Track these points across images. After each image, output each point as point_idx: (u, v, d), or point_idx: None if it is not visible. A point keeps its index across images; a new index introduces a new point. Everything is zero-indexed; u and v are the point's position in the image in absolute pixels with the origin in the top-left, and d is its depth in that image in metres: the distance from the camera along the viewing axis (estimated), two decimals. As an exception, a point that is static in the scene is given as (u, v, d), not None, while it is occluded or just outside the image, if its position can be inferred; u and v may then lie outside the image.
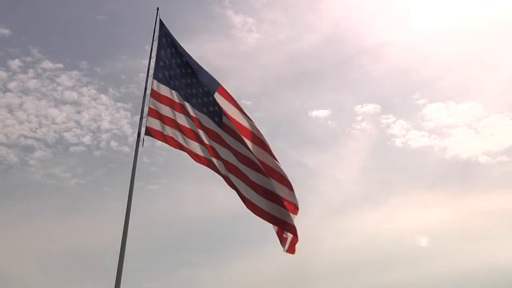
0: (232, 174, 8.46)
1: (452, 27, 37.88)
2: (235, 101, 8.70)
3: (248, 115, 8.62)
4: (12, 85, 28.76)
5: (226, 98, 8.65)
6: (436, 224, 28.85)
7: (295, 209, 8.19)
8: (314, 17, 38.42)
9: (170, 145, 8.70)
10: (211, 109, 8.63)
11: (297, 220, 8.31)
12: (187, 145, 8.69)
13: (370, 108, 33.54)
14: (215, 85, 8.73)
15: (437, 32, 37.77)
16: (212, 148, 8.59)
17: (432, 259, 26.06)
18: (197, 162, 8.72)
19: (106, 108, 30.97)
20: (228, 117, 8.50)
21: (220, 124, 8.54)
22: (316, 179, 31.97)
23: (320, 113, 33.72)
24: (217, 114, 8.58)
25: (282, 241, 8.21)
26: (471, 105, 33.89)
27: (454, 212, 29.89)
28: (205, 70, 8.89)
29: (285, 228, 8.17)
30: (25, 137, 28.63)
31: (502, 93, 34.40)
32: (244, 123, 8.52)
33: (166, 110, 8.73)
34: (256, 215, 8.30)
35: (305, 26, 38.09)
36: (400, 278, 25.45)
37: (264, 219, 8.28)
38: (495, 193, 29.64)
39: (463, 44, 37.64)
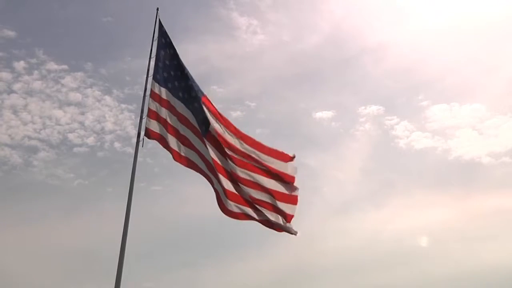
0: (223, 178, 8.43)
1: (453, 27, 38.01)
2: (217, 112, 8.67)
3: (232, 126, 8.67)
4: (17, 86, 29.03)
5: (208, 109, 8.60)
6: (438, 224, 28.91)
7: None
8: (316, 18, 38.53)
9: (163, 146, 8.56)
10: (200, 116, 8.57)
11: (298, 222, 8.69)
12: (176, 148, 8.57)
13: (373, 109, 33.66)
14: (200, 93, 8.71)
15: (438, 32, 37.87)
16: (201, 153, 8.53)
17: (433, 260, 26.08)
18: (180, 163, 8.62)
19: (110, 109, 31.14)
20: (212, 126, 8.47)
21: (206, 133, 8.46)
22: (318, 180, 31.94)
23: (324, 114, 33.85)
24: (204, 122, 8.50)
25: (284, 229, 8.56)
26: (475, 107, 33.93)
27: (456, 213, 29.92)
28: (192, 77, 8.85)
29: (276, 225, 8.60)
30: (29, 138, 28.82)
31: (505, 94, 34.48)
32: (226, 136, 8.53)
33: (163, 111, 8.67)
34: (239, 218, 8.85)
35: (306, 27, 38.23)
36: (401, 278, 25.48)
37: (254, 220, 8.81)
38: (498, 194, 29.65)
39: (465, 44, 37.73)
